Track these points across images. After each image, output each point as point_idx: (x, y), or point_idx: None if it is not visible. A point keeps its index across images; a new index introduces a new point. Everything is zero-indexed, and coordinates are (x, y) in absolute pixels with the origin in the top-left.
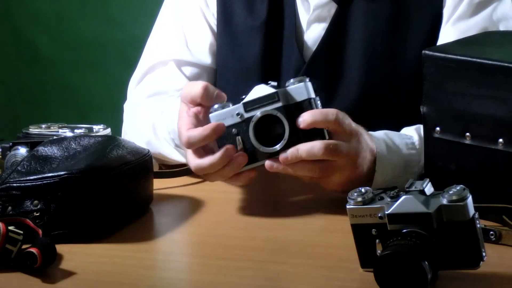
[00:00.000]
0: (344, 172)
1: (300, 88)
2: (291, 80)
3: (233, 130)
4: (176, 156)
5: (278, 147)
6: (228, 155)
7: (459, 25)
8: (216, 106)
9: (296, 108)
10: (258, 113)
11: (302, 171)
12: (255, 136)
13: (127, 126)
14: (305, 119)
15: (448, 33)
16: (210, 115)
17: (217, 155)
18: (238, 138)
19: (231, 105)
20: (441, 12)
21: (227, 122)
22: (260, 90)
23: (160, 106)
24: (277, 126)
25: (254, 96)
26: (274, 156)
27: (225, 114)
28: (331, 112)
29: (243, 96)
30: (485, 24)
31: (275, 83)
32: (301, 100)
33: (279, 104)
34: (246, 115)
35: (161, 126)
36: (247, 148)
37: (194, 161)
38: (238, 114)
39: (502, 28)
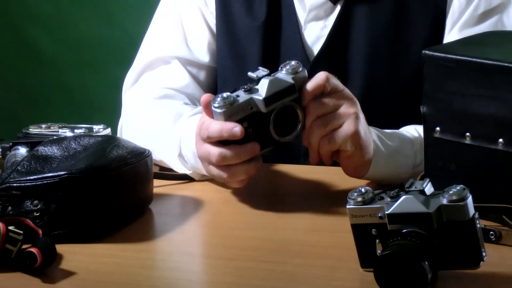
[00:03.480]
0: (355, 155)
1: (304, 76)
2: (284, 71)
3: (244, 123)
4: (176, 164)
5: (295, 134)
6: (255, 150)
7: (462, 34)
8: (218, 99)
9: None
10: (280, 106)
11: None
12: (274, 128)
13: (130, 126)
14: (305, 98)
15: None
16: (220, 111)
17: (245, 146)
18: (249, 130)
19: (232, 97)
20: (444, 17)
21: (238, 116)
22: (274, 83)
23: (170, 113)
24: (290, 116)
25: (271, 89)
26: (283, 144)
27: (236, 109)
28: (320, 76)
29: (244, 86)
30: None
31: (266, 70)
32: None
33: (295, 95)
34: (265, 109)
35: (173, 130)
36: (256, 137)
37: (216, 150)
38: (251, 107)
39: None
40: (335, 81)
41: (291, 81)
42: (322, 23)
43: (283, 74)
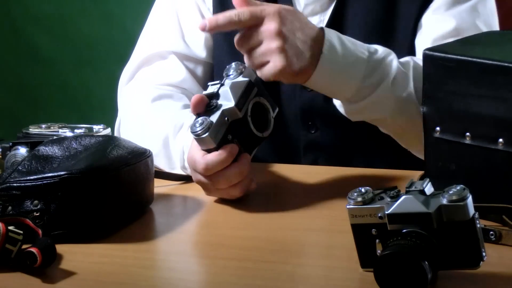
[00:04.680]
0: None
1: (252, 72)
2: (233, 65)
3: (229, 136)
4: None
5: (271, 125)
6: (233, 150)
7: (436, 16)
8: (197, 127)
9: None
10: (250, 105)
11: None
12: (255, 127)
13: (128, 130)
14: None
15: (424, 24)
16: (204, 136)
17: (221, 150)
18: (235, 141)
19: (207, 119)
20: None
21: (221, 132)
22: (234, 88)
23: (170, 117)
24: (260, 110)
25: (236, 94)
26: (266, 139)
27: (217, 127)
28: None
29: (208, 107)
30: (462, 18)
31: (216, 82)
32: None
33: (256, 89)
34: (241, 113)
35: (175, 143)
36: (243, 146)
37: (203, 159)
38: (227, 119)
39: (480, 24)
40: (252, 11)
41: (246, 78)
42: (318, 18)
43: (232, 78)
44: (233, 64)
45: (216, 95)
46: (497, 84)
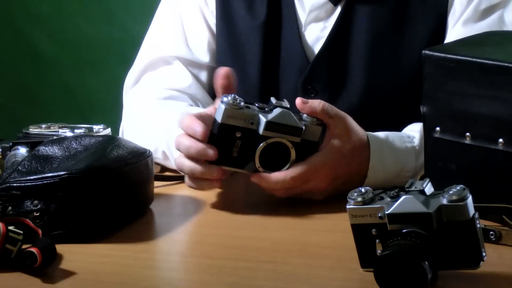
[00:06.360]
0: (320, 179)
1: (318, 131)
2: (305, 116)
3: (237, 132)
4: None
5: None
6: (217, 173)
7: (465, 30)
8: (228, 98)
9: (306, 145)
10: (274, 137)
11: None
12: (259, 155)
13: (133, 125)
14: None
15: (454, 37)
16: (223, 107)
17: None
18: (238, 142)
19: (242, 104)
20: (446, 17)
21: (235, 122)
22: (285, 116)
23: (177, 113)
24: (282, 154)
25: (278, 118)
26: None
27: (238, 114)
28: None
29: (257, 104)
30: (492, 29)
31: (287, 104)
32: (313, 141)
33: (297, 139)
34: (262, 131)
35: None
36: (240, 153)
37: (188, 163)
38: (252, 123)
39: None
40: (303, 176)
41: (301, 125)
42: (322, 24)
43: (302, 117)
44: (315, 118)
45: (274, 107)
46: (497, 84)
